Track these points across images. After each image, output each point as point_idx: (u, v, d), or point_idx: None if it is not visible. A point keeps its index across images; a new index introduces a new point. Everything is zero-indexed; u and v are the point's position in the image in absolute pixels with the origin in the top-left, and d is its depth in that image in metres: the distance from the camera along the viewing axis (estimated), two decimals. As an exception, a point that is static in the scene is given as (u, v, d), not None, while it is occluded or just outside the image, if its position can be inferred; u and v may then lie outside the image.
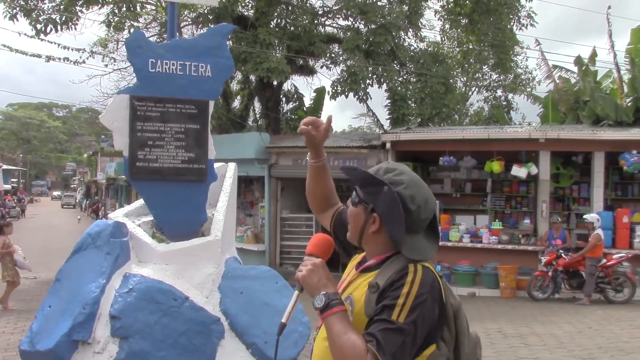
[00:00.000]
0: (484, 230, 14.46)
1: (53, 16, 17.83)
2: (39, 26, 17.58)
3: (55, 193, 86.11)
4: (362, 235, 2.07)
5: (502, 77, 26.09)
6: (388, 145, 14.79)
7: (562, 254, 12.69)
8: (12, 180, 61.82)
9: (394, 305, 1.82)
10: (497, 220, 15.14)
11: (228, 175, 5.22)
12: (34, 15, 17.68)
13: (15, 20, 17.73)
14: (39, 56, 17.96)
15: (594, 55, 19.00)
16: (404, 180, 2.01)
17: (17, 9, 17.65)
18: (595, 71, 18.61)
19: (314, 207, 2.55)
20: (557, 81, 19.53)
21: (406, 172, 2.06)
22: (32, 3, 17.85)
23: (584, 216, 13.18)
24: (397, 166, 2.08)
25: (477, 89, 29.36)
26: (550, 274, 12.76)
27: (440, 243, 10.52)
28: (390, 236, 1.99)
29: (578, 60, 18.55)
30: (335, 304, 1.86)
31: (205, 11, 18.63)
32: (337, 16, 20.03)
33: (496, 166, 14.16)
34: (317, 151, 2.44)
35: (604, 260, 12.44)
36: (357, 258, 2.19)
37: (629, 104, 16.10)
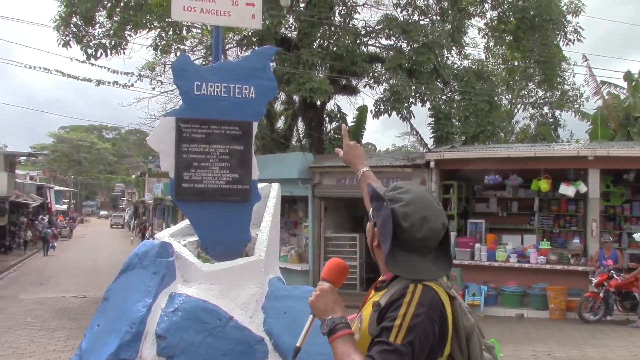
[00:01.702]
0: (532, 250, 14.15)
1: (103, 41, 18.44)
2: (89, 51, 18.22)
3: (102, 212, 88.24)
4: (373, 250, 2.14)
5: (548, 94, 25.65)
6: (432, 164, 14.69)
7: (614, 275, 12.32)
8: (64, 200, 63.62)
9: (391, 327, 1.84)
10: (545, 239, 14.80)
11: (272, 195, 5.25)
12: (85, 41, 18.30)
13: (68, 46, 18.39)
14: (90, 80, 18.54)
15: (644, 70, 18.57)
16: (403, 198, 2.00)
17: (70, 35, 18.31)
18: (645, 87, 18.19)
19: None
20: (606, 97, 19.16)
21: (412, 191, 2.05)
22: (83, 29, 18.48)
23: (634, 235, 12.79)
24: (405, 185, 2.09)
25: (522, 106, 28.91)
26: (601, 295, 12.39)
27: (487, 263, 10.38)
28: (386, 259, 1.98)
29: (627, 76, 18.17)
30: (340, 328, 1.92)
31: (250, 33, 18.93)
32: (380, 36, 20.10)
33: (543, 184, 13.88)
34: (351, 165, 2.66)
35: (659, 281, 12.04)
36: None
37: (682, 120, 15.66)
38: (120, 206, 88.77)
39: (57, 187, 54.56)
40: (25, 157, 44.41)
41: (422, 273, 1.95)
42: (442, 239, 2.02)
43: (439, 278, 1.99)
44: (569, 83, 25.77)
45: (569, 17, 20.79)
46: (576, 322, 12.44)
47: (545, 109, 26.36)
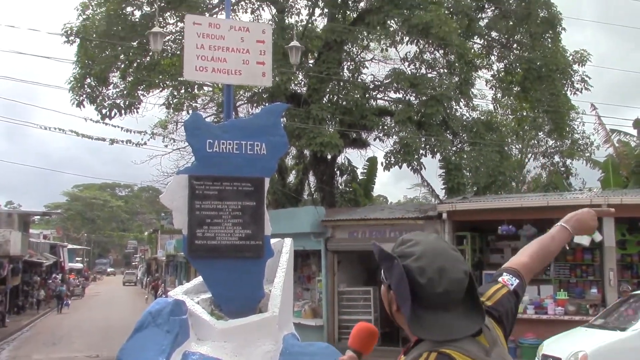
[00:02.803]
0: (549, 300, 13.92)
1: (117, 101, 18.84)
2: (104, 111, 18.58)
3: (110, 269, 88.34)
4: (393, 316, 1.91)
5: (558, 143, 25.71)
6: (444, 215, 14.64)
7: (635, 325, 12.05)
8: (77, 259, 63.65)
9: None
10: (562, 290, 14.55)
11: (284, 250, 5.26)
12: (99, 101, 18.71)
13: (82, 106, 18.78)
14: (103, 139, 18.83)
15: (653, 117, 18.63)
16: (414, 252, 1.79)
17: (84, 96, 18.73)
18: (656, 134, 18.21)
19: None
20: (617, 145, 19.16)
21: (423, 242, 1.83)
22: (97, 90, 18.91)
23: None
24: (414, 236, 1.88)
25: (533, 156, 28.94)
26: (623, 346, 12.09)
27: (503, 315, 9.94)
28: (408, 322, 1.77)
29: (637, 123, 18.22)
30: None
31: (260, 90, 19.25)
32: (388, 89, 20.36)
33: (558, 234, 13.75)
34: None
35: (681, 331, 11.74)
36: None
37: (694, 166, 15.59)
38: (133, 263, 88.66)
39: (70, 246, 54.72)
40: (39, 217, 44.74)
41: (452, 331, 1.73)
42: (468, 288, 1.79)
43: (472, 333, 1.77)
44: (578, 132, 25.87)
45: (575, 66, 21.00)
46: (598, 375, 12.10)
47: (556, 158, 26.38)
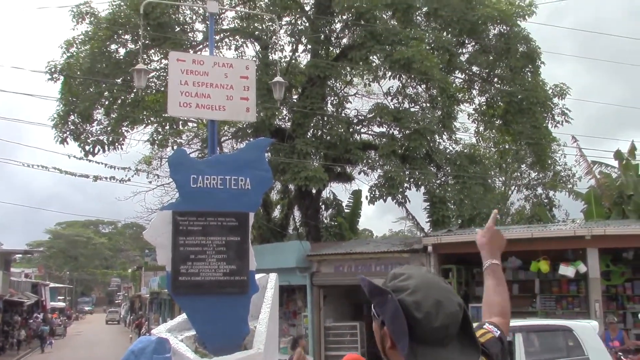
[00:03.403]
0: (536, 333, 13.86)
1: (101, 137, 18.81)
2: (87, 147, 18.53)
3: (87, 308, 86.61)
4: (385, 354, 1.81)
5: (541, 175, 25.95)
6: (430, 248, 14.64)
7: (622, 357, 12.02)
8: (59, 297, 62.65)
9: None
10: (548, 322, 14.52)
11: (269, 286, 5.21)
12: (83, 138, 18.67)
13: (65, 143, 18.73)
14: (87, 176, 18.72)
15: (633, 149, 18.89)
16: (408, 286, 1.74)
17: (67, 133, 18.70)
18: (636, 165, 18.43)
19: None
20: (598, 176, 19.36)
21: (415, 275, 1.78)
22: (81, 127, 18.89)
23: (639, 315, 12.60)
24: (406, 270, 1.82)
25: (516, 188, 29.18)
26: (611, 378, 12.05)
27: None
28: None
29: (618, 155, 18.44)
30: None
31: (244, 126, 19.33)
32: (372, 124, 20.53)
33: (543, 266, 13.80)
34: (488, 252, 2.63)
35: (668, 361, 11.75)
36: None
37: (675, 196, 15.77)
38: (116, 301, 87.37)
39: (52, 284, 53.89)
40: (21, 255, 44.13)
41: None
42: (462, 323, 1.74)
43: None
44: (560, 164, 26.18)
45: (556, 99, 21.34)
46: (587, 408, 12.01)
47: (539, 190, 26.62)
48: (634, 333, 13.96)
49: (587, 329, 10.13)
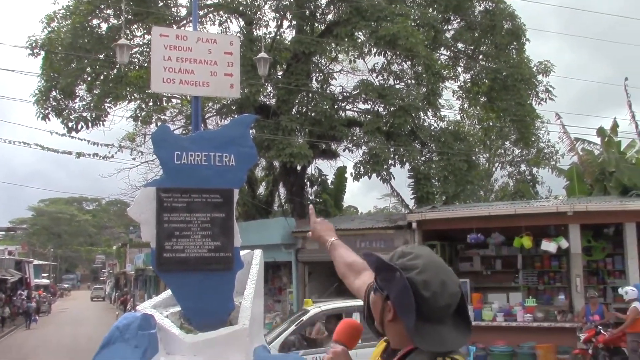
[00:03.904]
0: (518, 308, 14.08)
1: (84, 114, 18.60)
2: (70, 124, 18.32)
3: (66, 285, 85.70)
4: (382, 325, 1.95)
5: (525, 152, 26.14)
6: (414, 225, 14.74)
7: (601, 330, 12.25)
8: (43, 275, 62.40)
9: None
10: (530, 297, 14.74)
11: (254, 262, 5.23)
12: (65, 114, 18.45)
13: (47, 120, 18.50)
14: (70, 153, 18.57)
15: (615, 126, 19.06)
16: (417, 265, 1.84)
17: (49, 109, 18.47)
18: (618, 142, 18.61)
19: (347, 285, 2.52)
20: (581, 153, 19.53)
21: (423, 255, 1.89)
22: (63, 103, 18.66)
23: (619, 289, 12.82)
24: (413, 249, 1.92)
25: (500, 165, 29.38)
26: (590, 351, 12.26)
27: (474, 323, 10.26)
28: (405, 326, 1.84)
29: (600, 132, 18.59)
30: None
31: (229, 102, 19.21)
32: (357, 100, 20.50)
33: (526, 241, 13.95)
34: (320, 239, 2.77)
35: (646, 335, 11.97)
36: (382, 345, 2.06)
37: (656, 173, 15.96)
38: (101, 278, 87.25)
39: (36, 262, 53.64)
40: (4, 232, 43.81)
41: (447, 343, 1.82)
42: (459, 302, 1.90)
43: (463, 345, 1.90)
44: (544, 141, 26.37)
45: (540, 77, 21.43)
46: (567, 380, 12.27)
47: (523, 167, 26.82)
48: (613, 307, 14.21)
49: None
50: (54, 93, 18.71)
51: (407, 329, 1.81)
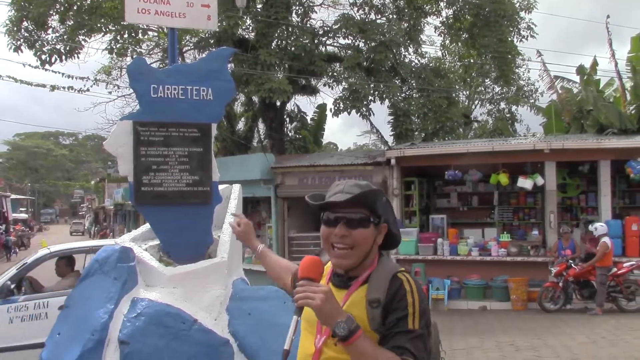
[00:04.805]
0: (493, 243, 14.39)
1: (57, 46, 18.08)
2: (43, 57, 17.83)
3: (44, 219, 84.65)
4: (367, 255, 2.12)
5: (504, 90, 26.13)
6: (393, 161, 14.81)
7: (572, 264, 12.62)
8: (21, 209, 62.16)
9: (406, 315, 1.96)
10: (505, 232, 15.06)
11: (233, 196, 5.24)
12: (38, 46, 17.93)
13: (19, 51, 17.99)
14: (44, 86, 18.15)
15: (595, 64, 19.05)
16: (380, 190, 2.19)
17: (21, 40, 17.92)
18: (597, 80, 18.67)
19: (283, 285, 2.71)
20: (560, 91, 19.57)
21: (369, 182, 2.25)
22: (35, 34, 18.10)
23: (590, 226, 13.15)
24: (343, 182, 2.21)
25: (480, 102, 29.41)
26: (561, 284, 12.68)
27: (449, 257, 10.61)
28: (396, 237, 2.24)
29: (580, 70, 18.58)
30: (355, 329, 1.88)
31: (207, 35, 18.81)
32: (337, 35, 20.16)
33: (503, 178, 14.13)
34: (248, 242, 2.94)
35: (615, 269, 12.37)
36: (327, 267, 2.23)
37: (633, 112, 16.12)
38: (80, 213, 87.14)
39: (13, 196, 53.28)
40: (-21, 167, 43.31)
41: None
42: None
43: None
44: (524, 79, 26.35)
45: (522, 14, 21.21)
46: (537, 312, 12.69)
47: (502, 105, 26.88)
48: (585, 243, 14.62)
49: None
50: (25, 24, 18.10)
51: (399, 238, 2.26)
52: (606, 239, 12.32)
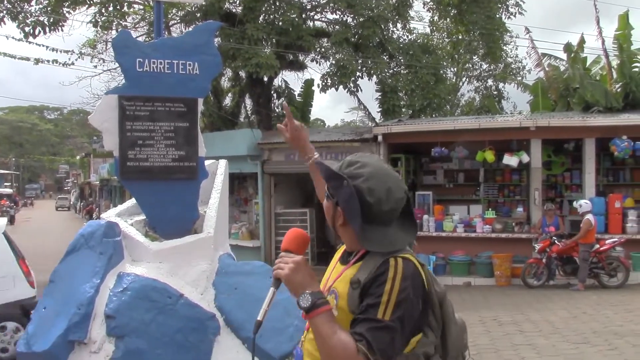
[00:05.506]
0: (478, 219, 14.51)
1: (40, 18, 17.79)
2: (27, 29, 17.53)
3: (29, 194, 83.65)
4: (335, 228, 2.08)
5: (492, 67, 26.12)
6: (380, 137, 14.81)
7: (556, 241, 12.76)
8: (6, 184, 61.69)
9: (378, 303, 1.82)
10: (490, 209, 15.17)
11: (219, 172, 5.24)
12: (21, 18, 17.62)
13: (2, 23, 17.69)
14: (28, 59, 17.92)
15: (582, 42, 19.06)
16: (363, 173, 1.97)
17: (4, 12, 17.61)
18: (584, 58, 18.67)
19: None
20: (547, 69, 19.59)
21: (369, 164, 2.01)
22: (18, 5, 17.78)
23: (574, 203, 13.28)
24: (360, 158, 2.04)
25: (467, 79, 29.41)
26: (544, 261, 12.83)
27: (435, 233, 10.62)
28: (353, 230, 1.97)
29: (567, 48, 18.57)
30: (321, 304, 1.82)
31: (193, 9, 18.58)
32: (325, 10, 20.00)
33: (489, 155, 14.19)
34: (301, 150, 2.64)
35: (597, 246, 12.52)
36: (342, 249, 2.16)
37: (618, 90, 16.17)
38: (65, 188, 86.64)
39: (-2, 171, 52.92)
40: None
41: (395, 243, 1.96)
42: (405, 205, 2.04)
43: (411, 242, 2.04)
44: (511, 56, 26.35)
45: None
46: (521, 288, 12.85)
47: (490, 82, 26.90)
48: (569, 220, 14.76)
49: None
50: (8, -6, 17.79)
51: (355, 232, 1.96)
52: (590, 216, 12.46)
